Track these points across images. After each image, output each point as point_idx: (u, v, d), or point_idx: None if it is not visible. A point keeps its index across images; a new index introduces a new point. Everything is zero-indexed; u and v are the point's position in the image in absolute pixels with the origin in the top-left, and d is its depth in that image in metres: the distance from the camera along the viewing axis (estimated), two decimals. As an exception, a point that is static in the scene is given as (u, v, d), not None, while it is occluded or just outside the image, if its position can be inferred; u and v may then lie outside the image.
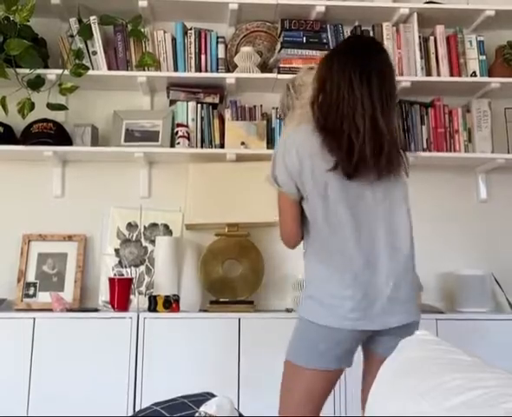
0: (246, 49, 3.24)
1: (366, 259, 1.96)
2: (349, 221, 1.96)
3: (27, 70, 3.03)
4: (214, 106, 3.27)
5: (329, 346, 1.96)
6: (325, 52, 3.15)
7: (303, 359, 1.98)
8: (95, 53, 3.16)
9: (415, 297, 2.08)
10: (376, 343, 2.03)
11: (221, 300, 3.01)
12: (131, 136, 3.24)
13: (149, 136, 3.23)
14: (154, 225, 3.24)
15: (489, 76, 3.30)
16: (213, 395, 1.59)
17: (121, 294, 2.88)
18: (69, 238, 3.19)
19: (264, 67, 3.29)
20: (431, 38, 3.30)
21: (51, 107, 3.08)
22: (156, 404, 1.62)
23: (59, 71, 3.08)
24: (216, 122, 3.23)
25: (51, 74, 3.10)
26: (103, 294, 3.08)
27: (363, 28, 3.27)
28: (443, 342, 1.18)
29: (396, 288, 1.97)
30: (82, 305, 3.10)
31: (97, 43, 3.14)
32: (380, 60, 2.02)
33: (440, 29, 3.30)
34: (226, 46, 3.32)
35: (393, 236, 2.00)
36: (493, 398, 0.89)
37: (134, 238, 3.22)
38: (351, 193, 1.98)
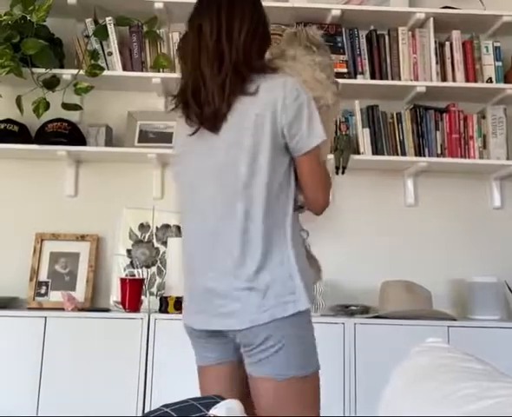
0: (260, 51, 3.23)
1: None
2: None
3: (42, 70, 3.05)
4: (228, 108, 3.27)
5: None
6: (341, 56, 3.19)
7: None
8: (110, 54, 3.17)
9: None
10: None
11: (232, 302, 3.01)
12: (145, 137, 3.25)
13: (163, 138, 3.24)
14: (167, 226, 3.24)
15: (505, 82, 3.28)
16: (222, 398, 1.59)
17: (132, 294, 2.89)
18: (82, 238, 3.20)
19: (278, 70, 3.28)
20: (447, 43, 3.29)
21: (66, 107, 3.10)
22: (166, 406, 1.62)
23: (74, 71, 3.10)
24: (230, 125, 3.23)
25: (66, 74, 3.12)
26: (115, 295, 3.09)
27: (378, 32, 3.27)
28: (454, 350, 1.17)
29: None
30: (94, 305, 3.11)
31: (113, 44, 3.15)
32: None
33: (456, 35, 3.28)
34: (241, 48, 3.32)
35: None
36: (505, 407, 0.88)
37: (146, 239, 3.22)
38: None
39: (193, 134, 1.82)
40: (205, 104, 1.77)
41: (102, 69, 3.11)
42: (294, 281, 1.74)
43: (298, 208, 1.87)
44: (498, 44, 3.30)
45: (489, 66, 3.27)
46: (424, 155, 3.20)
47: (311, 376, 1.78)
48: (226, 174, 1.77)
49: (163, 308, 2.84)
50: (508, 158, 3.25)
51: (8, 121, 3.15)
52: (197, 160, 1.84)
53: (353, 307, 3.04)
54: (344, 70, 3.18)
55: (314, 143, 1.78)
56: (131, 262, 3.19)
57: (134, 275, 3.12)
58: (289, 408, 1.74)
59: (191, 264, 1.87)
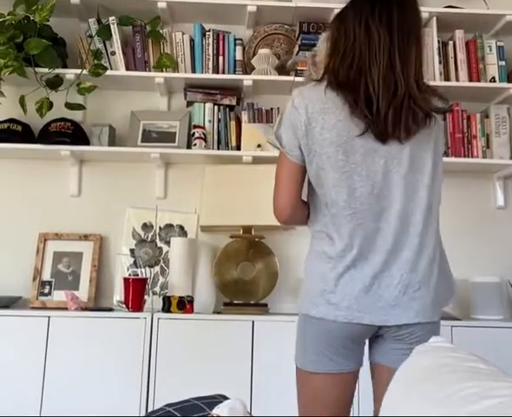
0: (263, 51, 3.24)
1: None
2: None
3: (46, 70, 3.05)
4: (231, 108, 3.28)
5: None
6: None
7: None
8: (113, 53, 3.18)
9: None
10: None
11: (235, 302, 3.01)
12: (148, 137, 3.25)
13: (166, 137, 3.24)
14: (170, 226, 3.24)
15: (509, 81, 3.27)
16: (225, 397, 1.59)
17: (135, 294, 2.89)
18: (85, 237, 3.20)
19: (281, 69, 3.29)
20: (450, 43, 3.28)
21: (69, 106, 3.10)
22: (168, 405, 1.62)
23: (78, 71, 3.10)
24: (233, 124, 3.23)
25: (70, 73, 3.12)
26: (118, 294, 3.09)
27: (381, 32, 3.26)
28: (458, 349, 1.17)
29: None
30: (97, 304, 3.11)
31: (116, 44, 3.16)
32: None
33: (459, 34, 3.28)
34: (244, 48, 3.32)
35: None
36: (508, 407, 0.88)
37: (149, 238, 3.22)
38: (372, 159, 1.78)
39: (362, 134, 1.75)
40: (376, 118, 1.73)
41: (105, 68, 3.11)
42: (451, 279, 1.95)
43: None
44: (501, 44, 3.29)
45: (493, 65, 3.27)
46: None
47: None
48: (414, 171, 1.79)
49: (166, 308, 2.84)
50: (511, 157, 3.24)
51: (11, 120, 3.15)
52: (368, 158, 1.77)
53: (356, 307, 3.04)
54: (348, 70, 3.18)
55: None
56: (134, 262, 3.19)
57: (138, 275, 3.12)
58: None
59: (368, 263, 1.79)
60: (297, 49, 3.23)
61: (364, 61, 1.75)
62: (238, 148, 3.19)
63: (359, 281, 1.77)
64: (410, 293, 1.78)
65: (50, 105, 3.05)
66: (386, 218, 1.78)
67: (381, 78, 1.73)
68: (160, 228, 3.24)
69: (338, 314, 1.77)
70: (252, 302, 3.02)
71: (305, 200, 1.96)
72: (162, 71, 3.19)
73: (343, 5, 2.72)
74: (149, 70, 3.21)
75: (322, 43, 2.27)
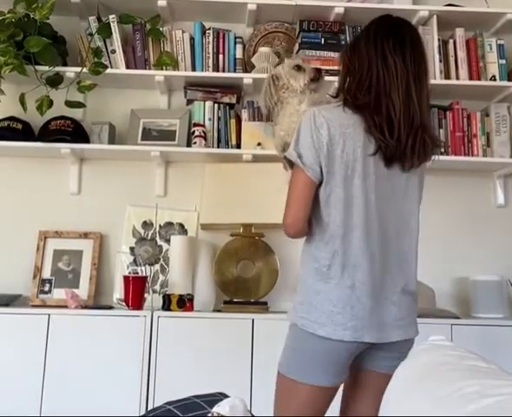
0: (263, 49, 3.23)
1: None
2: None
3: (46, 68, 3.05)
4: (231, 106, 3.28)
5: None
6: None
7: None
8: (113, 51, 3.18)
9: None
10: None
11: (235, 300, 3.01)
12: (148, 135, 3.25)
13: (166, 135, 3.24)
14: (170, 224, 3.24)
15: (509, 80, 3.27)
16: (225, 396, 1.59)
17: (135, 292, 2.89)
18: (85, 235, 3.20)
19: (281, 68, 3.28)
20: (451, 41, 3.28)
21: (69, 104, 3.10)
22: (169, 403, 1.62)
23: (78, 69, 3.10)
24: (233, 123, 3.23)
25: (70, 72, 3.12)
26: (118, 292, 3.09)
27: (381, 30, 3.26)
28: (458, 348, 1.17)
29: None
30: (97, 302, 3.11)
31: (116, 42, 3.16)
32: (412, 31, 1.96)
33: (460, 32, 3.27)
34: (244, 46, 3.32)
35: (402, 244, 1.92)
36: (506, 406, 0.88)
37: (149, 237, 3.22)
38: (381, 183, 1.86)
39: (374, 154, 1.84)
40: (397, 144, 1.82)
41: (106, 66, 3.11)
42: None
43: None
44: (502, 42, 3.29)
45: (493, 64, 3.26)
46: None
47: None
48: (407, 198, 1.92)
49: (166, 306, 2.84)
50: (511, 156, 3.24)
51: (11, 118, 3.15)
52: (379, 182, 1.86)
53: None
54: (348, 68, 3.17)
55: None
56: (134, 260, 3.19)
57: (138, 273, 3.12)
58: None
59: (376, 278, 1.84)
60: (297, 47, 3.22)
61: (384, 86, 1.83)
62: (238, 146, 3.20)
63: (363, 302, 1.81)
64: (406, 312, 1.88)
65: (50, 103, 3.05)
66: (386, 241, 1.86)
67: (402, 105, 1.81)
68: (160, 226, 3.24)
69: (345, 334, 1.79)
70: (252, 301, 3.02)
71: None
72: (162, 69, 3.19)
73: (342, 3, 2.77)
74: (149, 69, 3.20)
75: (284, 67, 2.29)
